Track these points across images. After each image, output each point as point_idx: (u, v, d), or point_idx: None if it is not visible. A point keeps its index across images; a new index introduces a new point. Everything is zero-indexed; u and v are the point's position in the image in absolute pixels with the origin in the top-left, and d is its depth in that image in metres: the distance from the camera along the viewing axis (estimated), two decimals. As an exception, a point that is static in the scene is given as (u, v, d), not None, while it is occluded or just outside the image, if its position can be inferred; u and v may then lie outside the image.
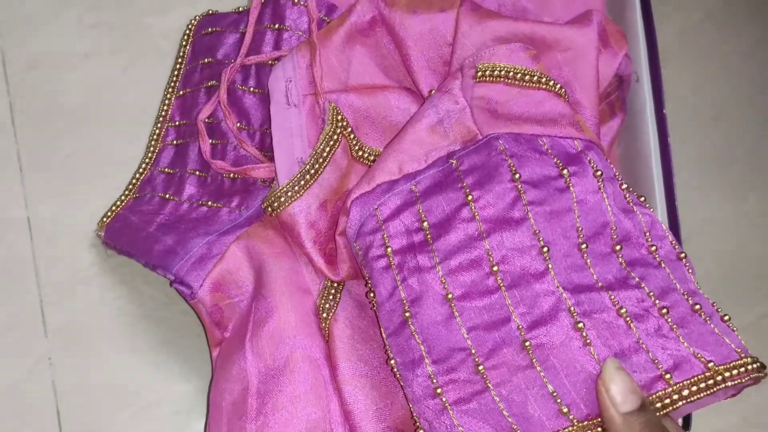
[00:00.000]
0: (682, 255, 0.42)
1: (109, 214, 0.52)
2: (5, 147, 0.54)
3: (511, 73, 0.45)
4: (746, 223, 0.60)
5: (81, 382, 0.51)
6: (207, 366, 0.51)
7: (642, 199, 0.44)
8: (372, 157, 0.48)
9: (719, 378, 0.36)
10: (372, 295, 0.43)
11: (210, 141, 0.52)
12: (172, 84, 0.56)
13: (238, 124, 0.52)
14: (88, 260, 0.52)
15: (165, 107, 0.56)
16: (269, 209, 0.46)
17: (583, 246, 0.40)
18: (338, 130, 0.47)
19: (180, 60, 0.57)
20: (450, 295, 0.40)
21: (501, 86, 0.45)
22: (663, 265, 0.41)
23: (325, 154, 0.46)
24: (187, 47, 0.57)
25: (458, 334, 0.39)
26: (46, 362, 0.51)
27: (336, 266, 0.46)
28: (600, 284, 0.39)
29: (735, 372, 0.37)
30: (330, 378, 0.45)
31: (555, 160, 0.42)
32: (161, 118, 0.56)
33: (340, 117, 0.47)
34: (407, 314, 0.40)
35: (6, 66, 0.55)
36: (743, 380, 0.37)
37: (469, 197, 0.41)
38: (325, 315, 0.46)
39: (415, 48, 0.49)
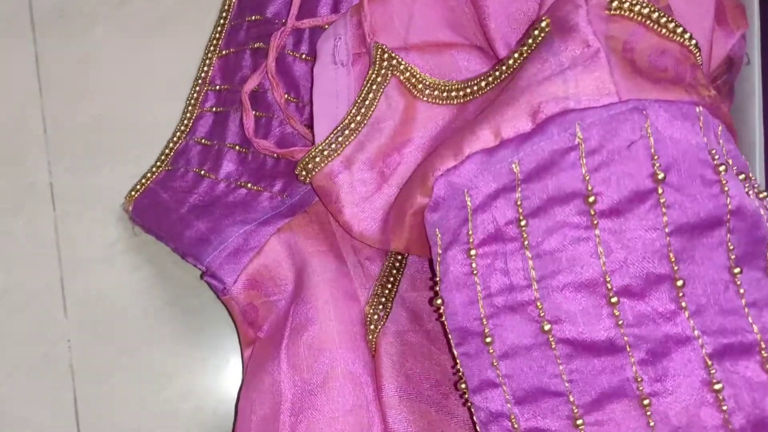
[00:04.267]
0: None
1: (138, 187, 0.47)
2: (31, 108, 0.49)
3: (654, 15, 0.34)
4: None
5: (100, 368, 0.47)
6: (237, 360, 0.46)
7: (764, 194, 0.35)
8: (444, 93, 0.40)
9: None
10: (440, 302, 0.35)
11: (254, 113, 0.46)
12: (215, 42, 0.50)
13: (287, 96, 0.46)
14: (113, 237, 0.48)
15: (205, 68, 0.50)
16: (303, 173, 0.40)
17: (736, 270, 0.32)
18: (383, 71, 0.39)
19: (224, 14, 0.51)
20: (547, 326, 0.32)
21: (641, 29, 0.34)
22: None
23: (368, 101, 0.39)
24: (233, 1, 0.51)
25: (555, 374, 0.32)
26: (65, 344, 0.47)
27: (384, 233, 0.39)
28: (751, 320, 0.31)
29: None
30: (373, 398, 0.40)
31: (711, 151, 0.32)
32: (200, 80, 0.50)
33: (388, 55, 0.40)
34: (488, 339, 0.33)
35: (33, 12, 0.49)
36: None
37: (591, 198, 0.32)
38: (372, 327, 0.41)
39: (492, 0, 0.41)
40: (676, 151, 0.32)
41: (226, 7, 0.51)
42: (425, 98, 0.40)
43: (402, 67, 0.40)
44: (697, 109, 0.32)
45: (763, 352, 0.31)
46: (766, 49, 0.47)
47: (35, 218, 0.48)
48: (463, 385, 0.34)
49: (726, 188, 0.32)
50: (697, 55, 0.35)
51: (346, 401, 0.39)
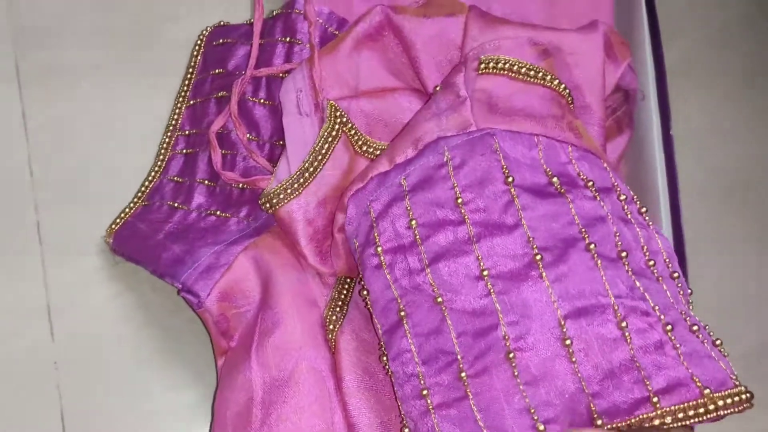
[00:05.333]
0: (675, 275, 0.42)
1: (117, 221, 0.53)
2: (18, 154, 0.54)
3: (516, 67, 0.45)
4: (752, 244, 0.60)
5: (86, 388, 0.51)
6: (212, 375, 0.51)
7: (644, 210, 0.44)
8: (378, 152, 0.48)
9: (712, 407, 0.36)
10: (365, 293, 0.43)
11: (220, 151, 0.53)
12: (183, 94, 0.57)
13: (249, 136, 0.53)
14: (95, 266, 0.53)
15: (175, 116, 0.56)
16: (267, 205, 0.46)
17: (592, 246, 0.40)
18: (336, 127, 0.47)
19: (191, 70, 0.58)
20: (440, 299, 0.40)
21: (504, 79, 0.45)
22: (661, 280, 0.41)
23: (324, 151, 0.46)
24: (198, 57, 0.58)
25: (448, 337, 0.39)
26: (52, 366, 0.51)
27: (329, 260, 0.47)
28: (606, 287, 0.39)
29: (729, 401, 0.36)
30: (335, 390, 0.45)
31: (545, 168, 0.42)
32: (171, 127, 0.56)
33: (339, 113, 0.47)
34: (402, 314, 0.41)
35: (20, 75, 0.56)
36: (735, 410, 0.37)
37: (459, 199, 0.41)
38: (331, 327, 0.46)
39: (423, 51, 0.49)
40: (518, 164, 0.42)
41: (192, 64, 0.58)
42: (364, 155, 0.48)
43: (350, 125, 0.48)
44: (536, 139, 0.43)
45: (617, 312, 0.38)
46: (660, 85, 0.54)
47: (24, 250, 0.52)
48: (385, 358, 0.42)
49: (561, 189, 0.42)
50: (562, 91, 0.45)
51: (311, 393, 0.44)
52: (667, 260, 0.43)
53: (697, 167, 0.61)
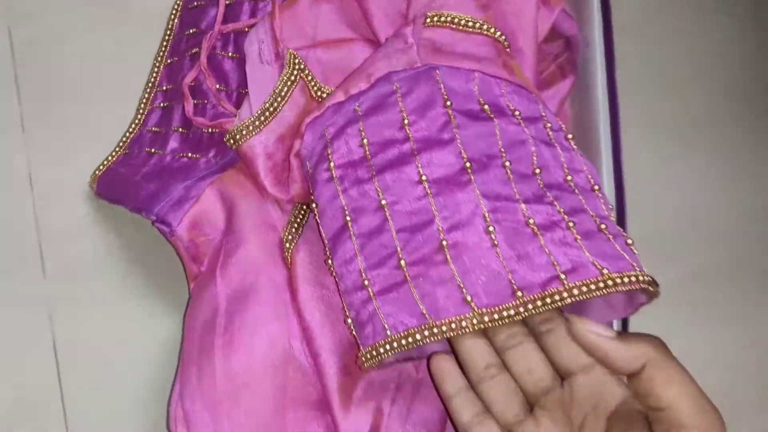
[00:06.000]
0: (596, 187, 0.46)
1: (101, 167, 0.58)
2: (10, 110, 0.60)
3: (456, 20, 0.50)
4: (690, 181, 0.64)
5: (76, 320, 0.56)
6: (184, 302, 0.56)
7: (570, 136, 0.49)
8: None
9: (610, 282, 0.40)
10: (315, 205, 0.48)
11: (192, 101, 0.57)
12: (161, 54, 0.62)
13: (218, 86, 0.57)
14: (84, 211, 0.58)
15: (154, 74, 0.61)
16: (231, 141, 0.51)
17: (507, 163, 0.45)
18: (295, 72, 0.52)
19: (168, 33, 0.63)
20: (384, 201, 0.45)
21: (447, 30, 0.50)
22: (577, 192, 0.45)
23: (283, 94, 0.51)
24: (175, 20, 0.63)
25: (388, 234, 0.44)
26: (44, 305, 0.56)
27: (288, 190, 0.52)
28: (517, 196, 0.44)
29: (626, 280, 0.40)
30: (290, 300, 0.49)
31: (479, 98, 0.47)
32: (150, 84, 0.61)
33: (297, 60, 0.52)
34: (348, 218, 0.46)
35: (12, 37, 0.61)
36: (634, 288, 0.40)
37: (405, 121, 0.46)
38: (288, 245, 0.51)
39: (375, 4, 0.54)
40: (456, 93, 0.47)
41: (169, 27, 0.63)
42: (319, 99, 0.53)
43: (307, 71, 0.53)
44: (473, 75, 0.48)
45: (524, 213, 0.43)
46: (606, 31, 0.58)
47: (16, 200, 0.58)
48: (330, 261, 0.47)
49: (491, 115, 0.47)
50: (498, 37, 0.51)
51: (269, 302, 0.49)
52: (590, 177, 0.47)
53: (639, 111, 0.64)
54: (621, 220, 0.54)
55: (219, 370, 0.47)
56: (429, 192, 0.44)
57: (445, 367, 0.45)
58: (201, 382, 0.48)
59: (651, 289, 0.41)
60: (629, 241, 0.44)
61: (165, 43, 0.62)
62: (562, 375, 0.42)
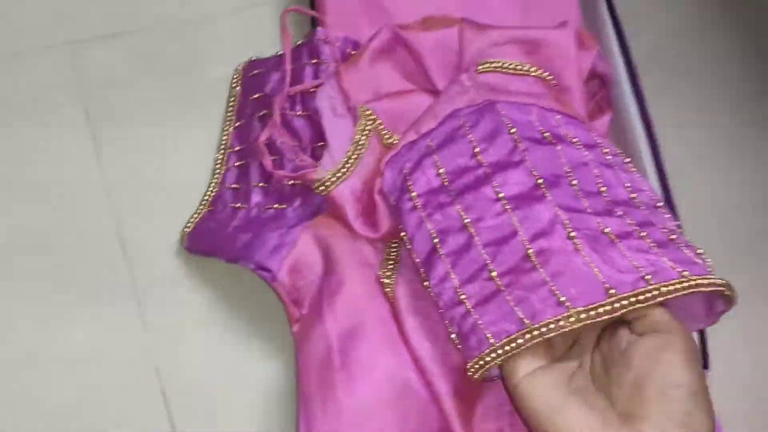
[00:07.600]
0: (659, 204, 0.51)
1: (189, 225, 0.62)
2: (94, 182, 0.64)
3: (506, 65, 0.57)
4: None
5: (183, 368, 0.60)
6: (288, 346, 0.60)
7: (628, 160, 0.55)
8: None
9: (693, 283, 0.43)
10: (403, 234, 0.52)
11: (270, 157, 0.62)
12: (229, 117, 0.67)
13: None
14: (176, 264, 0.62)
15: (225, 137, 0.66)
16: (321, 188, 0.56)
17: (574, 182, 0.49)
18: (368, 123, 0.58)
19: (232, 99, 0.68)
20: (467, 220, 0.49)
21: (499, 75, 0.56)
22: (642, 208, 0.50)
23: (362, 142, 0.57)
24: (237, 88, 0.68)
25: (476, 250, 0.48)
26: (149, 357, 0.59)
27: (377, 228, 0.56)
28: (589, 210, 0.48)
29: (706, 282, 0.44)
30: (398, 333, 0.54)
31: (539, 128, 0.53)
32: (223, 146, 0.66)
33: (368, 113, 0.58)
34: (435, 240, 0.50)
35: (89, 118, 0.66)
36: (715, 289, 0.44)
37: (476, 149, 0.51)
38: (387, 281, 0.55)
39: (429, 58, 0.61)
40: (517, 122, 0.53)
41: (233, 94, 0.68)
42: (390, 147, 0.58)
43: (378, 121, 0.59)
44: (532, 108, 0.54)
45: (599, 224, 0.48)
46: (631, 73, 0.65)
47: (108, 260, 0.62)
48: (426, 282, 0.51)
49: (552, 141, 0.52)
50: (546, 77, 0.57)
51: (380, 336, 0.53)
52: (652, 196, 0.52)
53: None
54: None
55: (344, 404, 0.51)
56: (507, 207, 0.49)
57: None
58: (325, 415, 0.51)
59: (728, 293, 0.45)
60: (700, 251, 0.48)
61: (231, 108, 0.68)
62: None
